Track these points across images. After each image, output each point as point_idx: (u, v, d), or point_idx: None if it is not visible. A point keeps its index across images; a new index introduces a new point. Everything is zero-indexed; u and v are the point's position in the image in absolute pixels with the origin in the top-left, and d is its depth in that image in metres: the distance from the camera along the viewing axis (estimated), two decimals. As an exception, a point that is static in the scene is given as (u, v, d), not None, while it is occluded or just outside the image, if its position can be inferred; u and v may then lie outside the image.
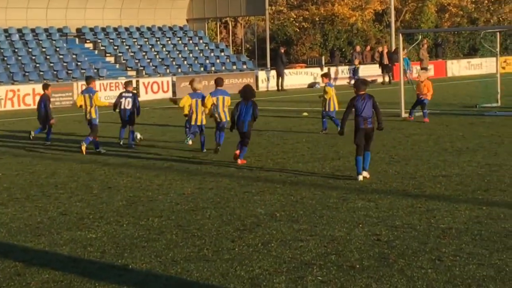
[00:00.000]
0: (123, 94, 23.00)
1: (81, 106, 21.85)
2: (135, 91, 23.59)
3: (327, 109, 23.35)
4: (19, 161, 20.02)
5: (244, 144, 18.34)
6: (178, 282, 9.04)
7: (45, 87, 24.97)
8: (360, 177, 15.42)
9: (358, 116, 15.42)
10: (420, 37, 39.67)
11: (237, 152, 18.25)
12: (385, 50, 50.87)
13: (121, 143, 22.47)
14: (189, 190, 14.95)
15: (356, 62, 51.45)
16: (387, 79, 50.57)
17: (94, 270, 9.70)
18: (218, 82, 20.57)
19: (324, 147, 20.35)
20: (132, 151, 21.05)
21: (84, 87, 24.66)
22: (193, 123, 20.30)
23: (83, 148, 20.89)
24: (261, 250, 10.31)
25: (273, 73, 48.73)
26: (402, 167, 16.77)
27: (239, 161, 18.17)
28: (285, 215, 12.44)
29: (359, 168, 15.50)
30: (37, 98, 39.29)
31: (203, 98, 20.15)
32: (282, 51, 49.05)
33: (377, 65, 51.80)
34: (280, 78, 47.76)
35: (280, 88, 47.38)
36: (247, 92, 18.44)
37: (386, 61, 50.37)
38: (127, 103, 22.60)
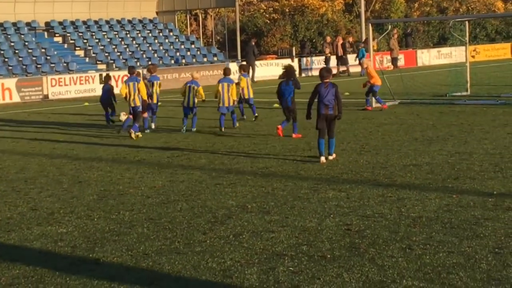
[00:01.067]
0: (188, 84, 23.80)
1: (126, 94, 22.75)
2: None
3: (246, 97, 25.27)
4: (-11, 156, 19.88)
5: (293, 120, 20.55)
6: (150, 275, 9.02)
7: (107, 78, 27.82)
8: (322, 159, 16.26)
9: (320, 102, 16.36)
10: (390, 27, 39.77)
11: (279, 127, 20.50)
12: (340, 42, 50.94)
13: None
14: (160, 183, 14.92)
15: (327, 51, 51.52)
16: (342, 69, 50.26)
17: (65, 264, 9.65)
18: (226, 71, 23.94)
19: (295, 139, 20.35)
20: (103, 143, 20.99)
21: (126, 77, 25.74)
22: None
23: (133, 135, 21.97)
24: (233, 242, 10.31)
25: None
26: (373, 156, 16.82)
27: (293, 135, 20.62)
28: (256, 206, 12.44)
29: (321, 151, 16.37)
30: (7, 92, 39.28)
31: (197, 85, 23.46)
32: (253, 43, 49.02)
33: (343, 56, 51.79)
34: (251, 69, 47.74)
35: (251, 80, 47.39)
36: (289, 72, 20.79)
37: (340, 52, 50.32)
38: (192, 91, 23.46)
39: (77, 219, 12.15)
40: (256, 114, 25.40)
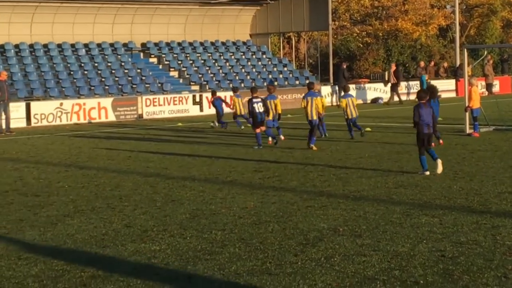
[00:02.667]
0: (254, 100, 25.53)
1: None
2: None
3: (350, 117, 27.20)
4: (84, 173, 20.31)
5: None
6: (241, 295, 9.08)
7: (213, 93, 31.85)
8: (427, 173, 17.74)
9: (423, 122, 17.63)
10: (485, 52, 39.22)
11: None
12: (393, 69, 49.39)
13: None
14: (251, 204, 15.00)
15: (427, 77, 51.11)
16: (396, 98, 48.11)
17: (158, 281, 9.78)
18: (310, 85, 25.21)
19: (388, 162, 20.23)
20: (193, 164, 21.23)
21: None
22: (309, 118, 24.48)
23: (314, 148, 23.82)
24: (324, 265, 10.29)
25: (336, 88, 48.58)
26: (467, 183, 16.59)
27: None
28: (348, 229, 12.40)
29: (424, 165, 17.87)
30: (103, 111, 40.14)
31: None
32: (344, 66, 48.95)
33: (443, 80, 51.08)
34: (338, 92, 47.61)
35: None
36: (433, 91, 22.13)
37: (393, 80, 48.62)
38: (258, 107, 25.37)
39: (170, 237, 12.30)
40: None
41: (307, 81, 50.41)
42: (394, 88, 48.40)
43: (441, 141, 23.41)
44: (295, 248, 11.30)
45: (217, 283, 9.58)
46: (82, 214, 14.57)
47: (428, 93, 18.90)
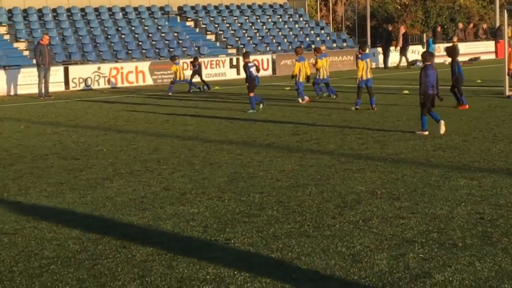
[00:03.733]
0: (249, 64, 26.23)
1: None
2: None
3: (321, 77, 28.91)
4: (123, 137, 20.44)
5: (460, 93, 23.67)
6: (280, 257, 9.11)
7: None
8: (426, 132, 18.43)
9: (428, 83, 18.34)
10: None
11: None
12: (402, 31, 48.26)
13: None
14: (289, 167, 15.02)
15: (455, 39, 50.47)
16: (404, 61, 47.41)
17: (197, 244, 9.86)
18: (363, 47, 26.04)
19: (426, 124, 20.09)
20: (232, 126, 21.28)
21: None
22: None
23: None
24: (362, 227, 10.30)
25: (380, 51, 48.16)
26: (506, 145, 16.46)
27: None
28: (386, 192, 12.38)
29: (424, 125, 18.59)
30: (140, 75, 40.29)
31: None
32: (391, 29, 48.62)
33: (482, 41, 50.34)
34: (384, 56, 47.22)
35: (386, 66, 46.87)
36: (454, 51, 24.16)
37: (401, 43, 47.60)
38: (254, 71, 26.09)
39: (208, 200, 12.37)
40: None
41: (344, 44, 50.23)
42: (402, 52, 47.51)
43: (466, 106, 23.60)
44: (333, 211, 11.32)
45: (255, 246, 9.64)
46: (121, 177, 14.68)
47: (433, 55, 19.60)
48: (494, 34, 51.91)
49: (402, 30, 48.55)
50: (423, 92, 18.39)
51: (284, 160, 15.83)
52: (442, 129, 18.39)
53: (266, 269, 8.70)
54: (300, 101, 27.44)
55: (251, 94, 25.47)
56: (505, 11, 29.41)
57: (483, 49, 51.70)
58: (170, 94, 34.03)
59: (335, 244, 9.53)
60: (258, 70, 26.55)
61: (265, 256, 9.21)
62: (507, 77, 26.76)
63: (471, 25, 55.46)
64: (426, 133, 18.40)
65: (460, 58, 48.34)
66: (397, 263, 8.69)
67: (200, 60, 38.02)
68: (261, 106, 25.69)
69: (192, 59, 37.94)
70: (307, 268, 8.69)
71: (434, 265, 8.57)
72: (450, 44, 29.90)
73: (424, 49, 48.56)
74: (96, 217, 11.53)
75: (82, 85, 38.82)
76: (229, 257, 9.20)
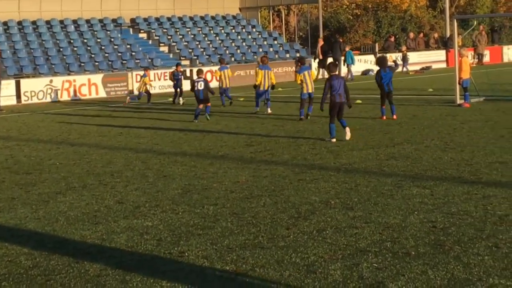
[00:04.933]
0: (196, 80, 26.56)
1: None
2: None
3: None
4: (76, 150, 20.29)
5: (391, 103, 23.63)
6: (234, 270, 9.09)
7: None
8: (334, 140, 19.38)
9: (334, 92, 19.49)
10: (475, 22, 39.18)
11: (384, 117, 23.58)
12: (320, 44, 47.76)
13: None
14: (243, 178, 15.01)
15: (403, 48, 50.96)
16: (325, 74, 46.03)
17: (150, 257, 9.80)
18: (301, 60, 27.35)
19: (378, 134, 20.27)
20: (187, 137, 21.23)
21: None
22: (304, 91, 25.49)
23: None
24: (316, 237, 10.33)
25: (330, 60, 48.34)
26: (458, 153, 16.63)
27: (394, 116, 23.35)
28: (339, 202, 12.43)
29: (332, 133, 19.55)
30: (93, 87, 40.01)
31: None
32: (341, 40, 48.73)
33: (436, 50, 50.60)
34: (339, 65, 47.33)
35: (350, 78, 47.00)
36: (382, 61, 24.10)
37: (320, 55, 47.00)
38: (199, 86, 26.13)
39: (162, 213, 12.32)
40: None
41: (298, 54, 50.37)
42: (321, 64, 46.12)
43: (394, 116, 23.54)
44: (287, 221, 11.34)
45: (210, 258, 9.61)
46: (74, 191, 14.57)
47: (337, 66, 21.44)
48: (445, 43, 52.50)
49: (320, 42, 48.16)
50: (331, 101, 19.56)
51: (238, 172, 15.83)
52: (348, 135, 19.46)
53: (221, 282, 8.68)
54: (269, 111, 27.45)
55: (200, 106, 26.08)
56: (455, 20, 29.77)
57: (435, 58, 52.26)
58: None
59: (290, 255, 9.54)
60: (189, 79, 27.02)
61: (220, 268, 9.19)
62: (458, 85, 27.06)
63: (422, 34, 56.03)
64: (334, 140, 19.35)
65: (412, 67, 49.25)
66: (351, 273, 8.72)
67: (150, 71, 37.24)
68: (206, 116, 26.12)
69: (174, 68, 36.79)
70: (262, 279, 8.69)
71: (387, 274, 8.62)
72: (380, 55, 30.53)
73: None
74: (48, 232, 11.42)
75: (35, 99, 38.45)
76: (183, 270, 9.16)
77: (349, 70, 44.55)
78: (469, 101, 26.50)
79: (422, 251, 9.42)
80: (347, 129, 19.52)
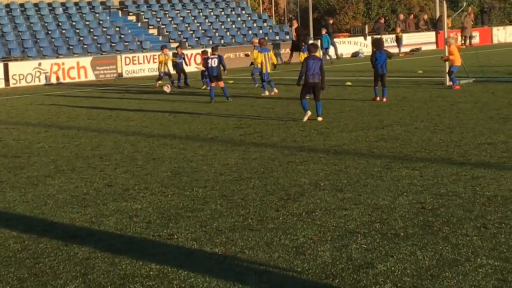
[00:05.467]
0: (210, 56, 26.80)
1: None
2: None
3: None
4: (65, 133, 20.24)
5: (384, 85, 23.66)
6: (223, 252, 9.09)
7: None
8: (305, 118, 20.03)
9: (308, 72, 19.79)
10: (464, 4, 39.16)
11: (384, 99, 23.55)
12: (294, 26, 47.12)
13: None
14: (233, 161, 15.00)
15: (398, 30, 50.93)
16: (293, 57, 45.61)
17: (140, 240, 9.79)
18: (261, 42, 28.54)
19: (368, 116, 20.27)
20: (176, 125, 21.19)
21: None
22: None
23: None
24: (305, 219, 10.33)
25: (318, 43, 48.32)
26: (447, 135, 16.64)
27: (384, 99, 23.42)
28: (329, 184, 12.43)
29: (305, 107, 20.18)
30: (82, 70, 39.90)
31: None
32: (331, 21, 48.62)
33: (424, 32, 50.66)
34: (334, 47, 47.24)
35: (337, 56, 47.05)
36: (378, 43, 24.30)
37: (294, 37, 46.12)
38: (213, 62, 26.47)
39: (151, 196, 12.30)
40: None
41: (287, 37, 50.25)
42: (295, 46, 44.85)
43: (384, 99, 23.62)
44: (276, 203, 11.33)
45: (199, 241, 9.60)
46: (63, 174, 14.54)
47: (317, 47, 21.53)
48: (435, 25, 52.45)
49: (295, 24, 47.73)
50: (305, 80, 19.97)
51: (228, 154, 15.82)
52: (305, 118, 20.06)
53: (210, 264, 8.67)
54: (267, 93, 27.72)
55: (213, 84, 26.58)
56: (445, 2, 29.72)
57: (424, 39, 52.28)
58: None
59: (279, 237, 9.54)
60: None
61: (209, 250, 9.18)
62: (447, 66, 27.05)
63: (412, 16, 55.98)
64: (309, 112, 20.08)
65: (402, 49, 49.23)
66: (340, 254, 8.73)
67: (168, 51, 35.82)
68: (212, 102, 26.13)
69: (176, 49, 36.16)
70: (251, 261, 8.69)
71: (376, 255, 8.63)
72: (378, 37, 30.72)
73: (367, 40, 49.00)
74: (37, 216, 11.39)
75: (23, 82, 38.31)
76: (172, 253, 9.15)
77: (324, 54, 43.61)
78: (458, 83, 26.50)
79: (411, 232, 9.43)
80: (320, 118, 19.95)
